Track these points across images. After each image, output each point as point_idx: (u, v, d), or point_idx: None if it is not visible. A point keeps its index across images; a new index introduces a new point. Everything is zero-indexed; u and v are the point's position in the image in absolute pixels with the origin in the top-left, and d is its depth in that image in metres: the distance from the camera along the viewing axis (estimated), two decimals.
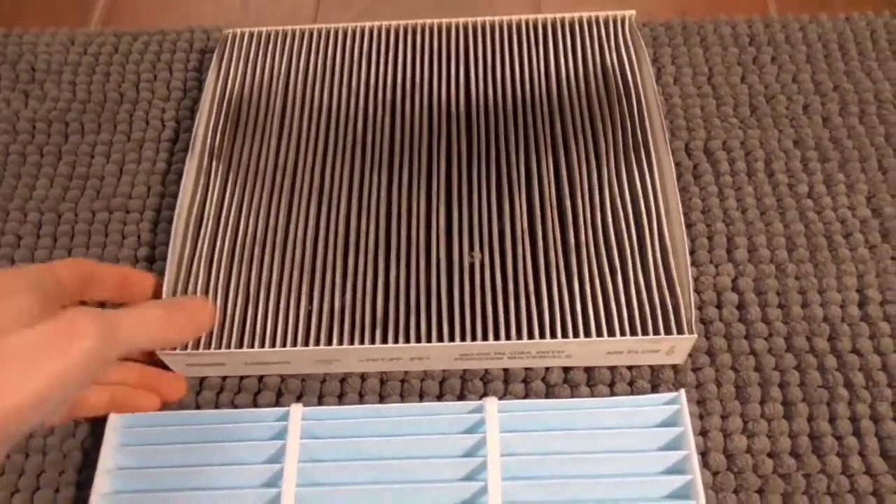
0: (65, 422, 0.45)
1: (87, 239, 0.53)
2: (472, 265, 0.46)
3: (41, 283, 0.35)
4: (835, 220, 0.51)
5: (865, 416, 0.44)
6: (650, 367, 0.46)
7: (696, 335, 0.43)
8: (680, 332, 0.43)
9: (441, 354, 0.44)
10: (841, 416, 0.44)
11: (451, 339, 0.44)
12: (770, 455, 0.43)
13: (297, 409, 0.42)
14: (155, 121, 0.59)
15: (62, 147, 0.58)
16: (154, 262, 0.52)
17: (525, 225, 0.47)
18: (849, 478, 0.42)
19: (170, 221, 0.53)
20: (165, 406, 0.45)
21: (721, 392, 0.45)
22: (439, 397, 0.46)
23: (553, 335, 0.43)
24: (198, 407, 0.46)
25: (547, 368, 0.46)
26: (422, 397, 0.46)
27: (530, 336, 0.44)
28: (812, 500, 0.42)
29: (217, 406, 0.46)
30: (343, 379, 0.46)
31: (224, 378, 0.47)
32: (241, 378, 0.47)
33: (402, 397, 0.46)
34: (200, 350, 0.44)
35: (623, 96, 0.52)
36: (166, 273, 0.46)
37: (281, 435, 0.42)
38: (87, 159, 0.58)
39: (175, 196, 0.54)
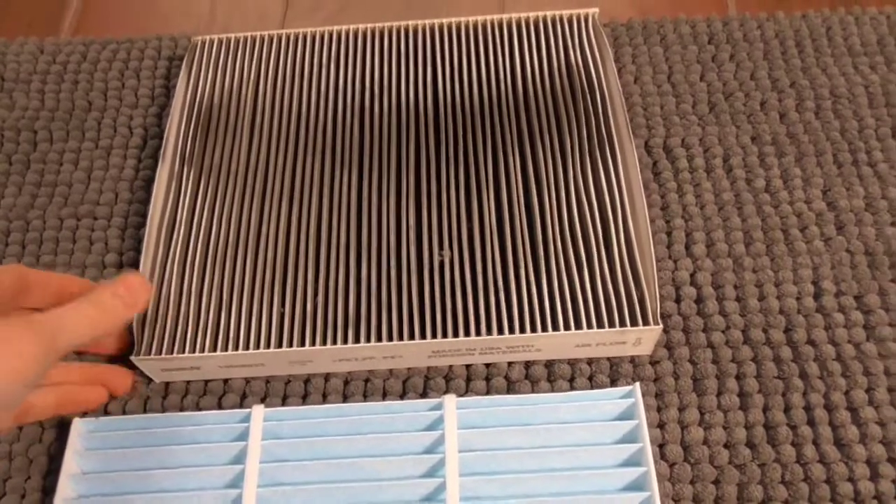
0: (8, 431, 0.45)
1: (56, 246, 0.54)
2: (441, 263, 0.47)
3: None
4: (791, 213, 0.52)
5: (819, 406, 0.45)
6: (609, 361, 0.47)
7: (661, 326, 0.44)
8: (646, 323, 0.44)
9: (414, 352, 0.45)
10: (796, 405, 0.45)
11: (423, 336, 0.45)
12: (726, 446, 0.44)
13: (258, 411, 0.43)
14: (123, 128, 0.60)
15: (31, 155, 0.59)
16: (121, 267, 0.52)
17: (493, 222, 0.48)
18: (803, 466, 0.43)
19: (137, 227, 0.54)
20: (134, 407, 0.46)
21: (679, 385, 0.46)
22: (402, 396, 0.46)
23: (523, 330, 0.44)
24: (164, 411, 0.47)
25: (509, 364, 0.47)
26: (385, 396, 0.47)
27: (500, 332, 0.45)
28: (766, 489, 0.43)
29: (182, 409, 0.46)
30: (307, 380, 0.47)
31: (188, 382, 0.47)
32: (206, 382, 0.47)
33: (366, 397, 0.47)
34: (175, 354, 0.44)
35: (587, 93, 0.53)
36: None
37: (243, 436, 0.43)
38: (55, 167, 0.58)
39: (143, 202, 0.55)
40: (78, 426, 0.44)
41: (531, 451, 0.41)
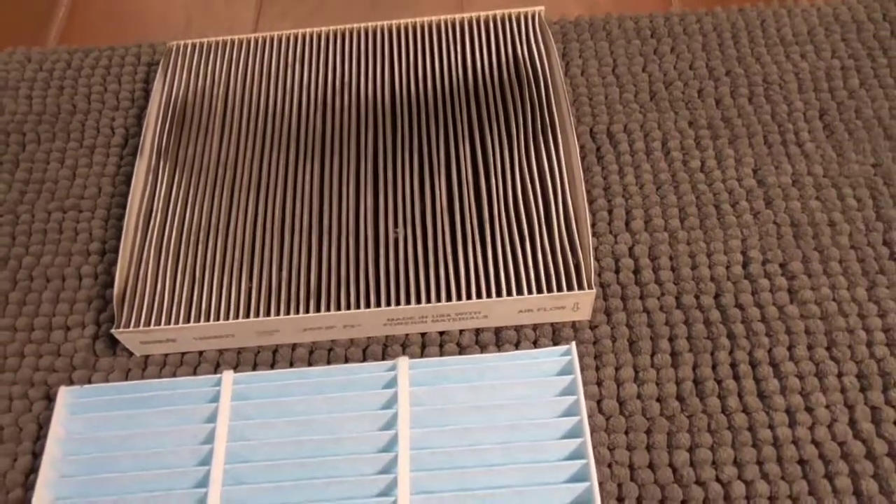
0: None
1: (44, 237, 0.58)
2: (396, 240, 0.51)
3: None
4: (723, 190, 0.56)
5: (744, 362, 0.49)
6: (552, 327, 0.51)
7: (595, 290, 0.48)
8: (581, 287, 0.48)
9: (371, 321, 0.49)
10: (722, 362, 0.49)
11: (379, 305, 0.49)
12: (658, 399, 0.48)
13: (228, 375, 0.47)
14: (105, 128, 0.64)
15: (19, 155, 0.63)
16: (105, 254, 0.57)
17: (444, 202, 0.52)
18: (727, 416, 0.47)
19: (119, 218, 0.58)
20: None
21: (615, 346, 0.50)
22: (362, 362, 0.50)
23: (469, 297, 0.48)
24: None
25: (461, 332, 0.51)
26: (346, 363, 0.50)
27: (449, 299, 0.48)
28: (694, 436, 0.47)
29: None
30: (275, 350, 0.51)
31: (166, 355, 0.51)
32: (183, 354, 0.51)
33: (329, 364, 0.50)
34: (152, 327, 0.48)
35: (533, 84, 0.58)
36: (119, 260, 0.51)
37: (215, 398, 0.46)
38: (42, 165, 0.62)
39: (124, 195, 0.59)
40: (63, 394, 0.48)
41: (477, 406, 0.45)
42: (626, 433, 0.47)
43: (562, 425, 0.45)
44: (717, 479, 0.45)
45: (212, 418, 0.46)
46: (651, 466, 0.46)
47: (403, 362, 0.47)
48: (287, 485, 0.43)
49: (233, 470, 0.44)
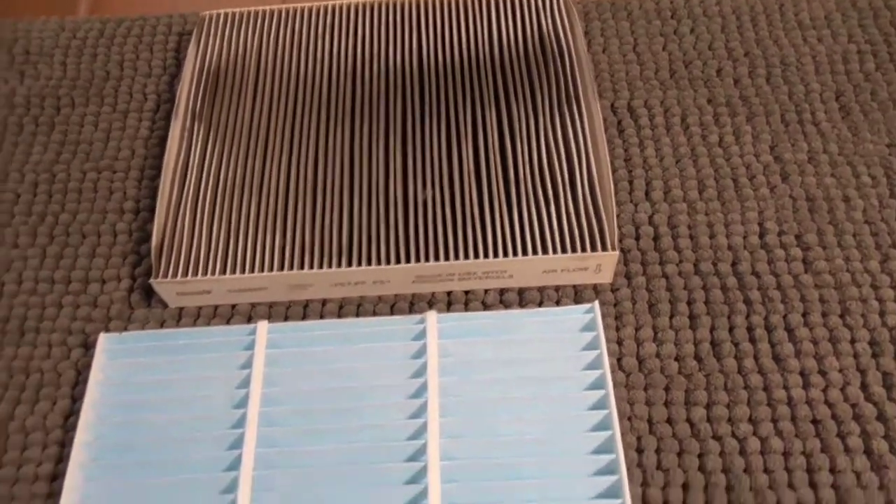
0: None
1: (79, 195, 0.60)
2: (424, 201, 0.53)
3: None
4: (741, 165, 0.58)
5: (760, 326, 0.51)
6: (574, 288, 0.53)
7: (617, 252, 0.50)
8: (604, 249, 0.50)
9: (399, 277, 0.51)
10: (739, 326, 0.51)
11: (408, 261, 0.50)
12: (676, 359, 0.50)
13: (263, 325, 0.49)
14: (137, 94, 0.66)
15: (55, 118, 0.65)
16: (138, 213, 0.58)
17: (471, 166, 0.54)
18: (743, 376, 0.49)
19: (152, 179, 0.60)
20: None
21: (635, 308, 0.52)
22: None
23: (496, 256, 0.50)
24: None
25: (486, 292, 0.52)
26: None
27: (476, 257, 0.50)
28: (710, 394, 0.48)
29: None
30: (306, 305, 0.53)
31: (200, 308, 0.53)
32: (216, 307, 0.53)
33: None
34: (189, 278, 0.50)
35: (558, 57, 0.59)
36: (156, 213, 0.53)
37: (250, 346, 0.48)
38: (77, 128, 0.64)
39: (157, 158, 0.61)
40: (103, 340, 0.49)
41: (503, 359, 0.47)
42: (645, 389, 0.48)
43: (585, 378, 0.46)
44: (733, 435, 0.47)
45: (247, 365, 0.47)
46: (669, 421, 0.47)
47: (432, 316, 0.48)
48: (320, 428, 0.45)
49: (267, 413, 0.45)
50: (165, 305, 0.53)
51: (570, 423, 0.44)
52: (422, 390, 0.46)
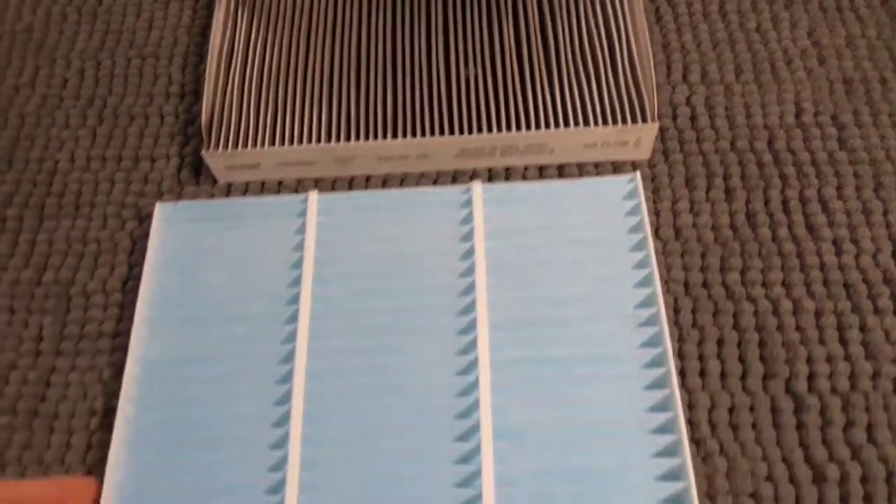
0: None
1: (125, 80, 0.61)
2: (467, 78, 0.54)
3: None
4: (778, 49, 0.58)
5: (795, 199, 0.52)
6: (612, 165, 0.54)
7: (657, 123, 0.51)
8: (644, 121, 0.51)
9: (443, 150, 0.52)
10: (774, 199, 0.52)
11: (452, 134, 0.51)
12: (712, 228, 0.51)
13: (313, 195, 0.50)
14: None
15: (97, 8, 0.66)
16: (184, 96, 0.60)
17: (512, 47, 0.55)
18: (777, 244, 0.50)
19: (196, 65, 0.61)
20: None
21: (672, 183, 0.53)
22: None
23: (538, 128, 0.51)
24: None
25: (526, 168, 0.54)
26: None
27: (518, 130, 0.51)
28: (745, 261, 0.50)
29: None
30: (350, 180, 0.54)
31: (248, 183, 0.55)
32: (263, 183, 0.55)
33: None
34: (239, 149, 0.52)
35: None
36: (205, 93, 0.54)
37: (302, 214, 0.50)
38: (119, 17, 0.65)
39: (199, 45, 0.62)
40: (159, 209, 0.51)
41: (548, 226, 0.48)
42: (682, 256, 0.50)
43: (628, 241, 0.48)
44: (767, 297, 0.48)
45: (300, 231, 0.49)
46: (705, 285, 0.49)
47: (477, 185, 0.50)
48: (373, 286, 0.47)
49: (322, 274, 0.47)
50: (214, 181, 0.55)
51: (614, 281, 0.46)
52: (469, 253, 0.48)
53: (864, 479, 0.42)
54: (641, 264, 0.47)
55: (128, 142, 0.58)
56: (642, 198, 0.49)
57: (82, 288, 0.51)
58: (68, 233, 0.54)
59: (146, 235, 0.53)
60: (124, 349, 0.49)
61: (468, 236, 0.48)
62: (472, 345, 0.44)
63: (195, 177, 0.56)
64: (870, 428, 0.44)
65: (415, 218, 0.49)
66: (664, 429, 0.41)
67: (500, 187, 0.50)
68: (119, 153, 0.57)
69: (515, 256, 0.48)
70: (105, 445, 0.44)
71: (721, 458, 0.43)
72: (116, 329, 0.50)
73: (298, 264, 0.48)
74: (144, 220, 0.54)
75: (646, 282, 0.46)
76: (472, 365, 0.44)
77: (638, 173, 0.50)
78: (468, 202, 0.50)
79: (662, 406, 0.42)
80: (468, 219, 0.49)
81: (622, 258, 0.47)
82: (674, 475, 0.40)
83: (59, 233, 0.54)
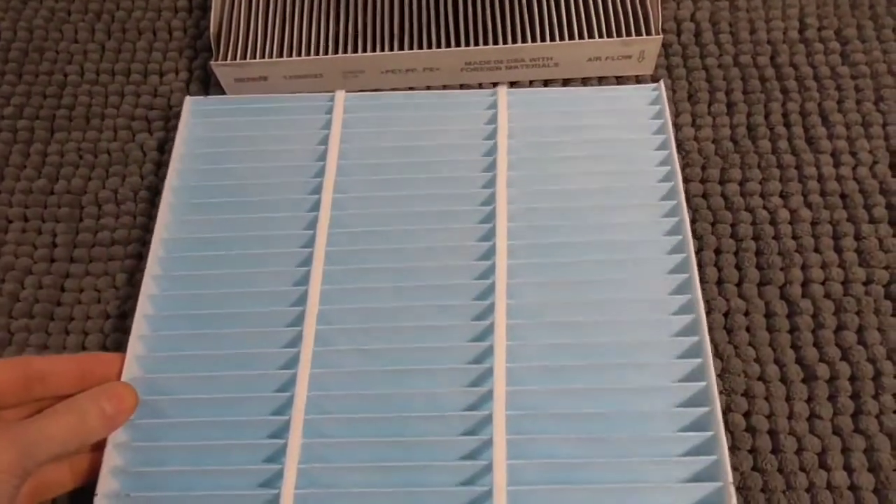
0: None
1: None
2: None
3: None
4: None
5: (795, 112, 0.52)
6: (617, 79, 0.54)
7: (661, 36, 0.51)
8: (649, 34, 0.51)
9: (450, 63, 0.53)
10: (774, 112, 0.53)
11: (459, 46, 0.52)
12: (713, 141, 0.52)
13: (340, 93, 0.51)
14: None
15: None
16: (192, 11, 0.60)
17: None
18: (776, 156, 0.51)
19: None
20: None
21: (675, 97, 0.53)
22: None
23: (543, 40, 0.52)
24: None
25: (531, 82, 0.54)
26: None
27: (524, 42, 0.52)
28: (744, 172, 0.51)
29: None
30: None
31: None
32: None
33: None
34: (248, 60, 0.52)
35: None
36: (213, 5, 0.54)
37: (328, 111, 0.51)
38: None
39: None
40: (188, 102, 0.52)
41: (573, 127, 0.49)
42: (683, 168, 0.51)
43: (650, 143, 0.49)
44: (764, 207, 0.49)
45: (326, 126, 0.50)
46: (704, 196, 0.50)
47: (502, 89, 0.51)
48: (395, 178, 0.48)
49: (345, 166, 0.49)
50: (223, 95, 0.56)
51: (635, 175, 0.47)
52: (492, 150, 0.49)
53: (853, 378, 0.44)
54: (665, 175, 0.48)
55: (136, 56, 0.58)
56: (666, 105, 0.50)
57: (94, 197, 0.53)
58: (79, 144, 0.55)
59: (157, 147, 0.54)
60: (136, 256, 0.50)
61: (491, 135, 0.49)
62: (491, 232, 0.46)
63: (204, 91, 0.56)
64: (860, 330, 0.45)
65: (440, 118, 0.51)
66: (684, 309, 0.43)
67: (524, 91, 0.51)
68: (128, 67, 0.58)
69: (537, 153, 0.49)
70: (120, 347, 0.45)
71: (716, 360, 0.45)
72: (129, 237, 0.51)
73: (322, 157, 0.49)
74: (153, 132, 0.55)
75: (668, 177, 0.47)
76: (490, 251, 0.45)
77: (662, 82, 0.51)
78: (493, 104, 0.51)
79: (681, 289, 0.44)
80: (492, 120, 0.50)
81: (644, 156, 0.48)
82: (693, 353, 0.42)
83: (70, 144, 0.55)
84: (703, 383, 0.41)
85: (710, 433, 0.39)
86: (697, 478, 0.39)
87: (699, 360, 0.41)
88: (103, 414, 0.35)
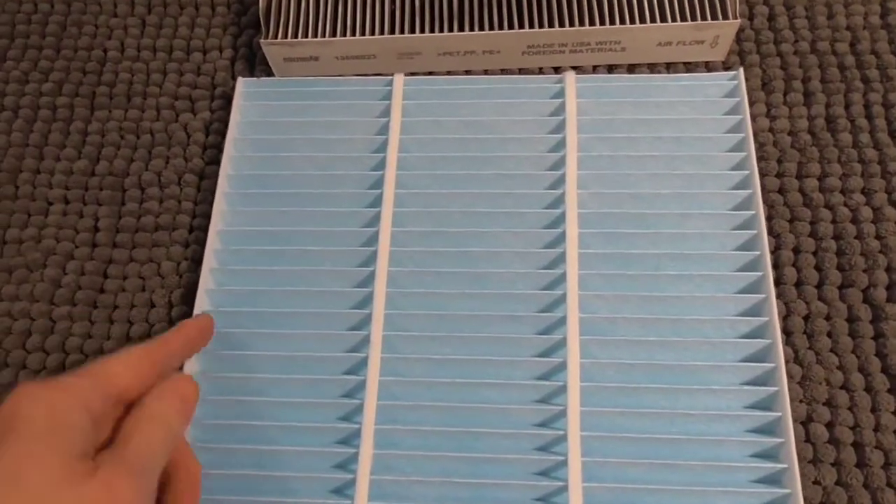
0: None
1: None
2: None
3: (91, 408, 0.30)
4: None
5: (877, 103, 0.49)
6: (685, 66, 0.51)
7: (738, 21, 0.48)
8: (725, 17, 0.48)
9: (511, 46, 0.50)
10: (855, 103, 0.50)
11: (521, 28, 0.49)
12: (789, 133, 0.49)
13: (399, 77, 0.48)
14: None
15: None
16: None
17: None
18: (858, 150, 0.48)
19: None
20: None
21: (749, 84, 0.50)
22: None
23: (612, 23, 0.49)
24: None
25: (594, 67, 0.51)
26: None
27: (592, 24, 0.49)
28: (824, 167, 0.48)
29: None
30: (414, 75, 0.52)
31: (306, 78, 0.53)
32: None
33: None
34: (299, 39, 0.49)
35: None
36: None
37: (386, 97, 0.48)
38: None
39: None
40: (241, 84, 0.49)
41: (644, 120, 0.46)
42: (758, 161, 0.48)
43: (726, 142, 0.45)
44: (846, 205, 0.47)
45: (385, 113, 0.47)
46: (781, 191, 0.47)
47: (570, 75, 0.47)
48: (456, 174, 0.45)
49: (405, 159, 0.46)
50: (270, 75, 0.53)
51: (711, 180, 0.44)
52: (560, 145, 0.46)
53: None
54: (740, 166, 0.45)
55: (178, 31, 0.56)
56: (745, 96, 0.46)
57: (137, 180, 0.50)
58: (120, 123, 0.52)
59: (202, 128, 0.52)
60: (182, 244, 0.48)
61: (559, 128, 0.46)
62: (560, 239, 0.43)
63: (249, 70, 0.54)
64: None
65: (504, 106, 0.47)
66: (756, 334, 0.41)
67: (594, 78, 0.48)
68: (170, 43, 0.55)
69: (608, 150, 0.46)
70: None
71: (795, 366, 0.43)
72: (174, 222, 0.49)
73: (382, 148, 0.46)
74: (196, 112, 0.52)
75: (744, 184, 0.44)
76: (560, 259, 0.43)
77: (741, 70, 0.47)
78: (560, 92, 0.47)
79: (755, 311, 0.41)
80: (559, 110, 0.47)
81: (720, 158, 0.45)
82: (763, 381, 0.40)
83: (111, 123, 0.52)
84: (778, 414, 0.39)
85: (783, 465, 0.38)
86: None
87: (775, 389, 0.39)
88: (180, 412, 0.34)
